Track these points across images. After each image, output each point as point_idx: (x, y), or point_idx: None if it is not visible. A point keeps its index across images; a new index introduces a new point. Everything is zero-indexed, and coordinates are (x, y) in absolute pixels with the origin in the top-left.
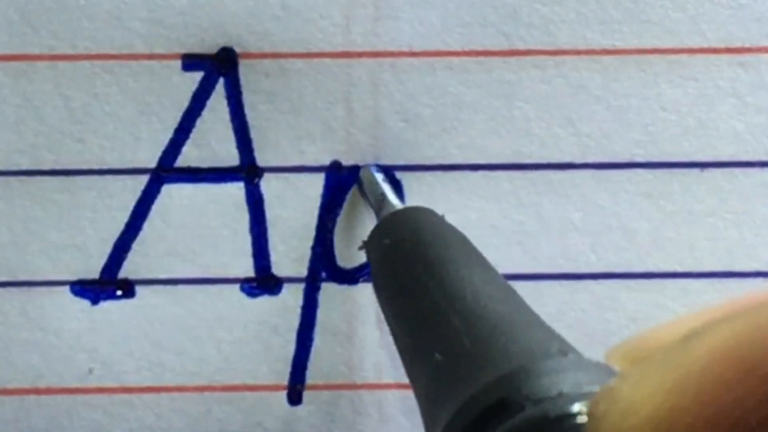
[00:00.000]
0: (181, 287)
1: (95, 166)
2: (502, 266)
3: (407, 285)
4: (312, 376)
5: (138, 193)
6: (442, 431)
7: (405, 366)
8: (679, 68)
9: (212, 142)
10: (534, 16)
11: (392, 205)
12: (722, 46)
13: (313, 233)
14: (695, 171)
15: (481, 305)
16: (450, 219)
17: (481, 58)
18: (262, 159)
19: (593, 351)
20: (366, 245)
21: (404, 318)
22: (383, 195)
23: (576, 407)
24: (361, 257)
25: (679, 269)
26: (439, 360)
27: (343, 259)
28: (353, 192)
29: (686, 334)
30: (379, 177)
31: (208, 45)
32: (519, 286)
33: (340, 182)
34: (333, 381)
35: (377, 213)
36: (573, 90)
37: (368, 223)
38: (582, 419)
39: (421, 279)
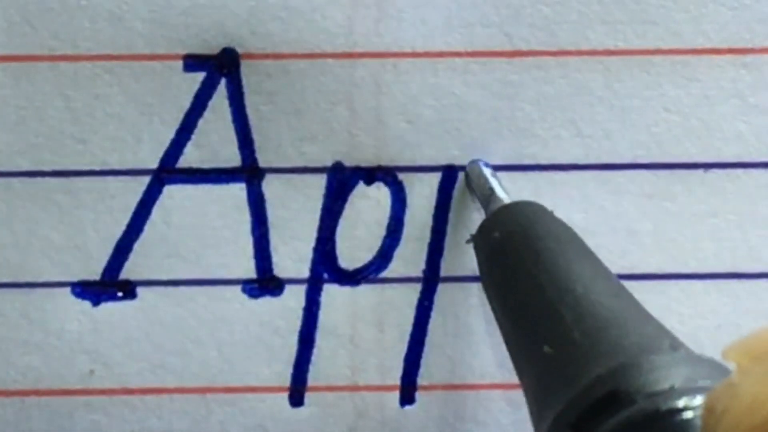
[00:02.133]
0: (182, 288)
1: (96, 167)
2: None
3: (517, 278)
4: (313, 377)
5: (139, 194)
6: (552, 423)
7: (512, 358)
8: (682, 69)
9: (214, 143)
10: (536, 16)
11: (500, 200)
12: (725, 46)
13: (314, 234)
14: (698, 172)
15: (592, 299)
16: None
17: (483, 59)
18: (263, 160)
19: None
20: (474, 239)
21: (513, 311)
22: (491, 189)
23: (689, 401)
24: (363, 258)
25: (682, 270)
26: (549, 352)
27: (345, 260)
28: (355, 193)
29: None
30: (487, 171)
31: (210, 45)
32: None
33: (342, 183)
34: (335, 383)
35: (485, 207)
36: (576, 91)
37: (370, 224)
38: (695, 414)
39: (531, 272)
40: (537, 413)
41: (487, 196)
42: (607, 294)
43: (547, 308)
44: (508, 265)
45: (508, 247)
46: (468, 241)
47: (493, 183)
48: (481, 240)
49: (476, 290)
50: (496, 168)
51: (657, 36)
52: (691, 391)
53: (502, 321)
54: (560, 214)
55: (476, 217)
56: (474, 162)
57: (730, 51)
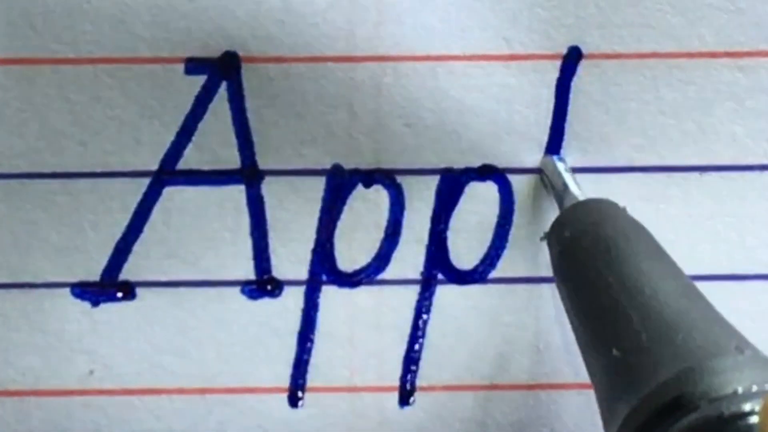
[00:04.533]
0: (181, 289)
1: (97, 169)
2: (503, 270)
3: (587, 278)
4: (312, 378)
5: (139, 196)
6: (620, 428)
7: (584, 359)
8: (678, 72)
9: (214, 145)
10: (534, 20)
11: (574, 197)
12: (721, 50)
13: (313, 236)
14: (694, 175)
15: (660, 300)
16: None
17: (481, 62)
18: (263, 162)
19: None
20: (548, 236)
21: (583, 311)
22: (565, 185)
23: (753, 405)
24: (362, 260)
25: None
26: (617, 356)
27: (344, 262)
28: (354, 195)
29: None
30: (561, 167)
31: (212, 49)
32: (520, 290)
33: (341, 185)
34: (333, 383)
35: (559, 203)
36: (573, 94)
37: (368, 226)
38: (755, 418)
39: (600, 273)
40: (606, 415)
41: (561, 192)
42: (675, 295)
43: (615, 309)
44: (579, 264)
45: (579, 246)
46: (542, 239)
47: (567, 179)
48: (553, 238)
49: (474, 292)
50: (494, 170)
51: (653, 39)
52: (756, 395)
53: (573, 320)
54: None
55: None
56: (548, 157)
57: (726, 54)
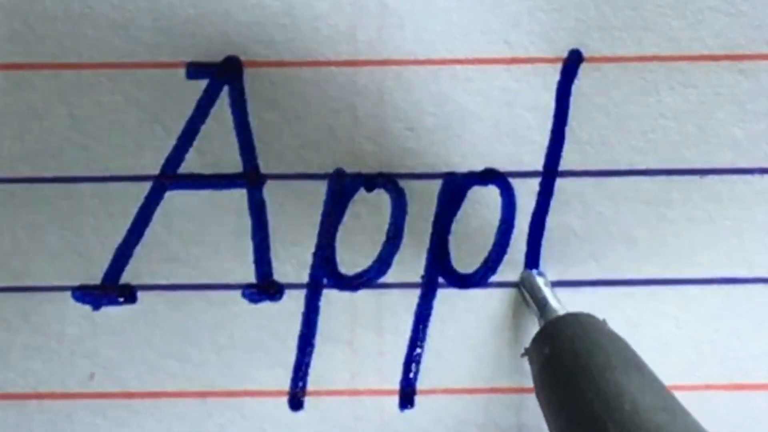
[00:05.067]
0: (182, 293)
1: (98, 173)
2: (504, 274)
3: (567, 394)
4: (313, 381)
5: (140, 200)
6: None
7: None
8: (678, 75)
9: (215, 149)
10: (535, 24)
11: (553, 311)
12: (722, 53)
13: (314, 240)
14: (695, 178)
15: (640, 415)
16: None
17: (483, 66)
18: (265, 166)
19: None
20: (528, 353)
21: (564, 427)
22: (545, 299)
23: None
24: (363, 264)
25: (679, 275)
26: None
27: (345, 265)
28: (356, 199)
29: None
30: (541, 281)
31: (213, 53)
32: (517, 294)
33: (343, 189)
34: (334, 387)
35: (539, 318)
36: (574, 97)
37: (370, 230)
38: None
39: (580, 388)
40: None
41: (541, 307)
42: (654, 408)
43: (595, 425)
44: (558, 380)
45: (558, 362)
46: (522, 355)
47: (547, 293)
48: (533, 354)
49: (475, 296)
50: (493, 173)
51: (654, 43)
52: None
53: None
54: (558, 220)
55: (475, 223)
56: (527, 272)
57: (727, 57)
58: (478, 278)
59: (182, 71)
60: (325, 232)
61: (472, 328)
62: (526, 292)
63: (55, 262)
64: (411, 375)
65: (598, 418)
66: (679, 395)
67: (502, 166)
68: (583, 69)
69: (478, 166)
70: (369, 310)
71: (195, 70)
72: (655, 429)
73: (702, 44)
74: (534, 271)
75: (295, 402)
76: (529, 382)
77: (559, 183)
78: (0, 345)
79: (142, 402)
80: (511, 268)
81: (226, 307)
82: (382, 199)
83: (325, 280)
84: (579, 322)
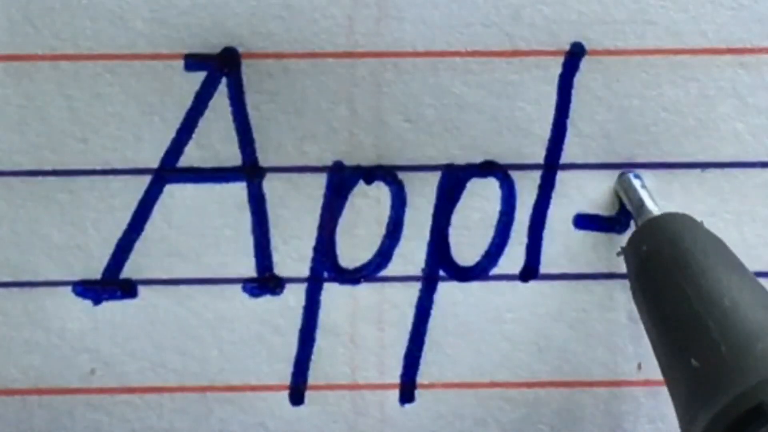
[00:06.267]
0: (183, 287)
1: (98, 167)
2: (500, 267)
3: (665, 291)
4: (314, 376)
5: (140, 194)
6: None
7: (661, 367)
8: (680, 69)
9: (215, 142)
10: (536, 16)
11: (650, 212)
12: (724, 46)
13: (315, 233)
14: (696, 171)
15: (739, 312)
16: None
17: (483, 59)
18: (264, 159)
19: (594, 351)
20: (624, 251)
21: (662, 323)
22: (641, 201)
23: None
24: (363, 257)
25: None
26: (696, 366)
27: (345, 259)
28: (355, 192)
29: None
30: (637, 183)
31: (211, 45)
32: (522, 286)
33: (343, 182)
34: (335, 381)
35: (635, 219)
36: (575, 90)
37: (370, 223)
38: None
39: (679, 285)
40: (686, 424)
41: (637, 208)
42: (754, 306)
43: (694, 321)
44: (657, 278)
45: (656, 261)
46: (618, 254)
47: (643, 195)
48: (630, 253)
49: (475, 289)
50: (492, 166)
51: (656, 36)
52: None
53: (651, 332)
54: (560, 213)
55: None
56: (624, 174)
57: (729, 51)
58: (479, 271)
59: (180, 63)
60: (325, 225)
61: (473, 321)
62: (623, 194)
63: (54, 256)
64: (412, 369)
65: (698, 313)
66: None
67: (502, 158)
68: (585, 62)
69: (478, 159)
70: (369, 303)
71: (193, 62)
72: (754, 324)
73: (704, 38)
74: (631, 174)
75: (296, 396)
76: (530, 377)
77: (561, 176)
78: (0, 340)
79: (142, 397)
80: (511, 260)
81: (227, 301)
82: (381, 191)
83: (325, 274)
84: (677, 221)
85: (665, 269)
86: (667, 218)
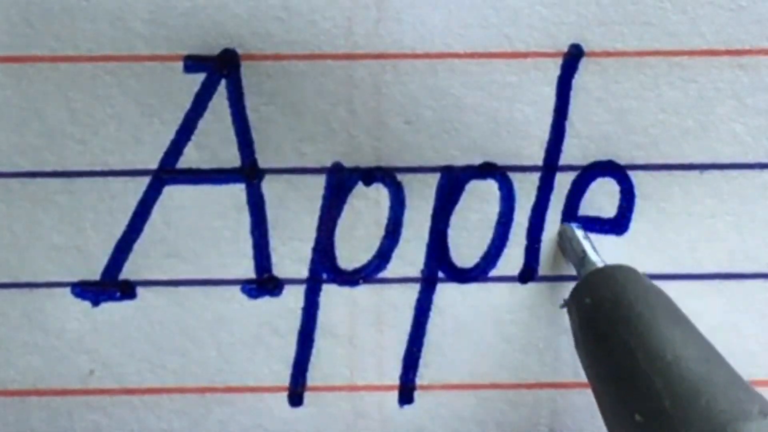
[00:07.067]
0: (181, 288)
1: (97, 168)
2: (499, 269)
3: (609, 344)
4: (313, 377)
5: (139, 195)
6: None
7: (606, 422)
8: (679, 70)
9: (214, 144)
10: (535, 18)
11: (593, 263)
12: (722, 47)
13: (314, 235)
14: (695, 173)
15: (682, 366)
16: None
17: (482, 60)
18: (263, 160)
19: None
20: (567, 303)
21: (605, 376)
22: (584, 252)
23: None
24: (362, 258)
25: (679, 271)
26: (640, 421)
27: (344, 260)
28: (354, 193)
29: None
30: (580, 234)
31: (210, 46)
32: (520, 288)
33: (342, 184)
34: (334, 382)
35: (578, 270)
36: (574, 92)
37: (369, 224)
38: None
39: (622, 339)
40: None
41: (579, 260)
42: (697, 360)
43: (638, 375)
44: (600, 331)
45: (600, 313)
46: (561, 306)
47: (586, 246)
48: (573, 305)
49: (474, 290)
50: (492, 169)
51: (654, 37)
52: None
53: (595, 385)
54: (558, 215)
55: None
56: (566, 224)
57: (727, 52)
58: (478, 272)
59: (179, 64)
60: (324, 226)
61: (472, 322)
62: (565, 245)
63: (53, 257)
64: (411, 370)
65: (642, 367)
66: None
67: (501, 160)
68: (584, 63)
69: (477, 160)
70: (368, 305)
71: (192, 63)
72: (697, 378)
73: (702, 39)
74: (573, 225)
75: (295, 398)
76: (529, 378)
77: (560, 177)
78: None
79: (141, 398)
80: (510, 262)
81: (226, 302)
82: (380, 193)
83: (324, 275)
84: (620, 273)
85: (609, 322)
86: (611, 270)
